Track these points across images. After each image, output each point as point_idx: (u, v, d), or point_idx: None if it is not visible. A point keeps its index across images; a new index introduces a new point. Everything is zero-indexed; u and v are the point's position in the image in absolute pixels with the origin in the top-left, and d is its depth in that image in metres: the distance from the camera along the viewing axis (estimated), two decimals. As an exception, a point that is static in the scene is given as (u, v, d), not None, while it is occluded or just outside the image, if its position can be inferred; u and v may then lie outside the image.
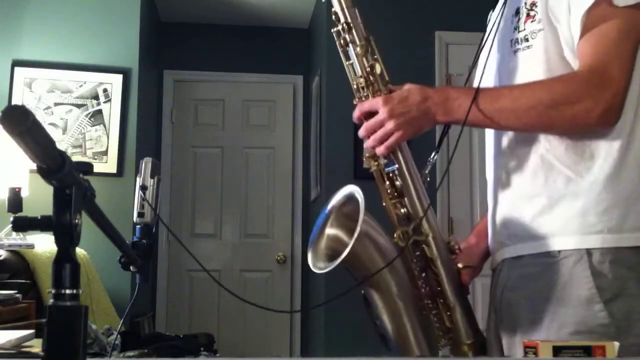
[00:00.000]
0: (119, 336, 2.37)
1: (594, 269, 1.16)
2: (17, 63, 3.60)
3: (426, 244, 1.29)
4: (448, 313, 1.30)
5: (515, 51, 1.27)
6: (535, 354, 0.96)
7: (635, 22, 1.16)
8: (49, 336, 0.67)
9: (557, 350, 0.95)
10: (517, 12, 1.27)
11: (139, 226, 1.19)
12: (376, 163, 1.30)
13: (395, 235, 1.28)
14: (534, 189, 1.24)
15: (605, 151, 1.18)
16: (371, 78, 1.30)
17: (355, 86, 1.32)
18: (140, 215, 1.20)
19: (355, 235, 1.20)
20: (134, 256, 1.06)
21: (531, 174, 1.25)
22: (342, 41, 1.32)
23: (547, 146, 1.23)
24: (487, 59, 1.32)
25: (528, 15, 1.25)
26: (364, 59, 1.30)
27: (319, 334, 3.95)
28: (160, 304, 4.64)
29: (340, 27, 1.31)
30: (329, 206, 1.34)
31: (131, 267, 1.08)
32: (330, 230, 1.32)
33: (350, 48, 1.31)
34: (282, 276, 4.77)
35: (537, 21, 1.23)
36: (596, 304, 1.15)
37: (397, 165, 1.28)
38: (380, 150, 1.26)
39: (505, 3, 1.33)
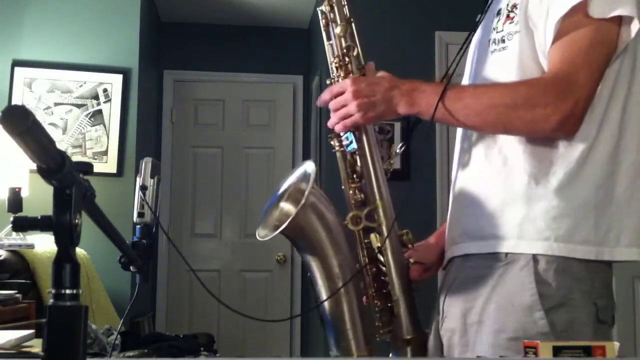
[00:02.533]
0: (119, 336, 2.37)
1: (539, 277, 1.15)
2: (17, 63, 3.60)
3: (378, 233, 1.29)
4: (390, 304, 1.30)
5: (492, 52, 1.27)
6: (535, 354, 0.96)
7: (607, 35, 1.15)
8: (49, 336, 0.67)
9: (557, 350, 0.95)
10: (499, 12, 1.27)
11: (139, 226, 1.19)
12: (339, 144, 1.32)
13: (347, 218, 1.29)
14: (490, 189, 1.24)
15: (563, 160, 1.17)
16: (346, 59, 1.31)
17: (330, 67, 1.34)
18: (140, 215, 1.20)
19: (299, 206, 1.21)
20: (134, 256, 1.06)
21: (489, 174, 1.25)
22: (324, 20, 1.35)
23: (510, 148, 1.22)
24: (460, 55, 1.33)
25: (508, 16, 1.24)
26: (342, 40, 1.32)
27: (319, 334, 3.95)
28: (160, 304, 4.64)
29: (324, 6, 1.34)
30: (287, 182, 1.35)
31: (131, 267, 1.08)
32: (283, 204, 1.33)
33: (331, 28, 1.33)
34: (282, 276, 4.77)
35: (515, 23, 1.22)
36: (537, 311, 1.14)
37: (356, 146, 1.29)
38: (338, 127, 1.28)
39: (488, 3, 1.32)
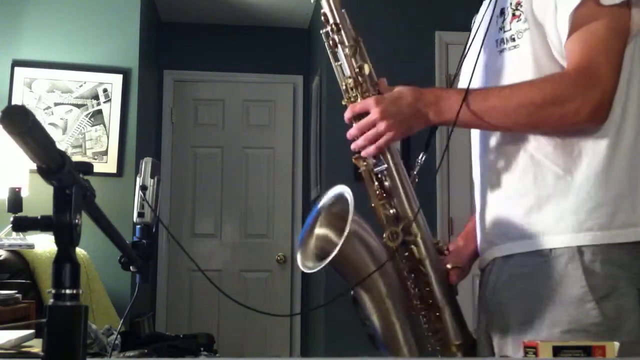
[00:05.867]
0: (119, 336, 2.37)
1: (586, 268, 1.16)
2: (17, 63, 3.60)
3: (415, 245, 1.29)
4: (437, 314, 1.30)
5: (501, 51, 1.27)
6: (536, 354, 0.96)
7: (622, 21, 1.16)
8: (49, 336, 0.67)
9: (557, 350, 0.95)
10: (503, 12, 1.27)
11: (139, 226, 1.19)
12: (365, 163, 1.31)
13: (384, 235, 1.28)
14: (523, 188, 1.24)
15: (593, 149, 1.19)
16: (360, 79, 1.30)
17: (344, 87, 1.33)
18: (140, 215, 1.20)
19: (344, 235, 1.20)
20: (134, 256, 1.06)
21: (520, 172, 1.25)
22: (330, 42, 1.33)
23: (536, 144, 1.23)
24: (476, 59, 1.32)
25: (514, 15, 1.25)
26: (353, 60, 1.31)
27: (319, 334, 3.95)
28: (160, 304, 4.64)
29: (329, 28, 1.32)
30: (319, 205, 1.34)
31: (131, 267, 1.08)
32: (319, 230, 1.32)
33: (339, 49, 1.32)
34: (282, 276, 4.77)
35: (523, 20, 1.23)
36: (588, 302, 1.15)
37: (385, 165, 1.28)
38: (370, 150, 1.27)
39: (491, 3, 1.32)
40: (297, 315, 4.71)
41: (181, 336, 2.87)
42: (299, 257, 1.30)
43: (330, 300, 1.28)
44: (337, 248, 1.20)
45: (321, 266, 1.24)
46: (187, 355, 2.54)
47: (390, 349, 1.29)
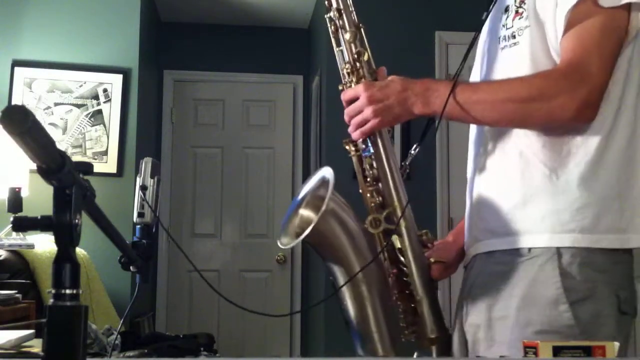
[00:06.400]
0: (119, 336, 2.37)
1: (563, 270, 1.15)
2: (17, 63, 3.60)
3: (398, 234, 1.29)
4: (413, 305, 1.30)
5: (503, 48, 1.27)
6: (535, 354, 0.96)
7: (618, 22, 1.16)
8: (49, 336, 0.67)
9: (557, 350, 0.95)
10: (507, 9, 1.28)
11: (139, 226, 1.19)
12: (355, 148, 1.31)
13: (366, 221, 1.28)
14: (510, 185, 1.24)
15: (582, 150, 1.18)
16: (357, 64, 1.32)
17: (342, 72, 1.34)
18: (140, 215, 1.20)
19: (320, 212, 1.21)
20: (134, 256, 1.06)
21: (509, 169, 1.25)
22: (333, 27, 1.35)
23: (526, 142, 1.22)
24: (466, 54, 1.33)
25: (516, 12, 1.25)
26: (352, 45, 1.32)
27: (319, 334, 3.95)
28: (160, 304, 4.64)
29: (332, 13, 1.34)
30: (305, 189, 1.34)
31: (131, 267, 1.08)
32: (303, 211, 1.32)
33: (341, 34, 1.33)
34: (282, 276, 4.77)
35: (525, 18, 1.23)
36: (562, 304, 1.14)
37: (373, 151, 1.29)
38: (355, 135, 1.28)
39: (495, 1, 1.32)
40: (298, 316, 4.71)
41: (181, 336, 2.87)
42: (280, 235, 1.30)
43: (327, 297, 1.28)
44: (312, 224, 1.21)
45: (295, 242, 1.24)
46: (187, 355, 2.54)
47: (361, 334, 1.28)
